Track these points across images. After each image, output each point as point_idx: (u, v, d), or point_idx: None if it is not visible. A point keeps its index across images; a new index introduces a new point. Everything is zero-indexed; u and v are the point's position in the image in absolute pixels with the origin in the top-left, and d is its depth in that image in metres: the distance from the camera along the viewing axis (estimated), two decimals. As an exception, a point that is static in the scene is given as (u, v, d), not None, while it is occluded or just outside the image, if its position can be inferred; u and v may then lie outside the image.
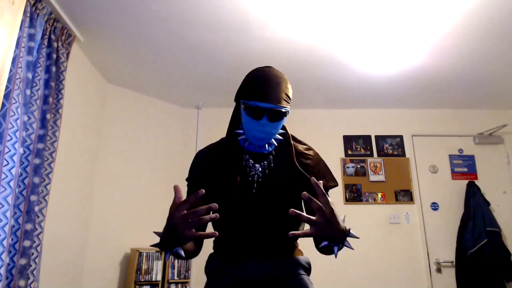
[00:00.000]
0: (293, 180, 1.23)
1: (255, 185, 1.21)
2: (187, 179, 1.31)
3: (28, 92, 2.04)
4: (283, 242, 1.25)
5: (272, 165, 1.24)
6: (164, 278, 3.06)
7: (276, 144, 1.26)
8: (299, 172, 1.23)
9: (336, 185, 1.30)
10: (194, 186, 1.27)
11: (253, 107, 1.15)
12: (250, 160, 1.24)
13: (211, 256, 1.31)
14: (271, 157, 1.26)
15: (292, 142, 1.29)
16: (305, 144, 1.35)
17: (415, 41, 2.69)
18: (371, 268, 3.43)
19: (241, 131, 1.25)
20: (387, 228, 3.57)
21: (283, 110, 1.16)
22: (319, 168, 1.29)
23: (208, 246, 1.33)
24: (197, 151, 1.35)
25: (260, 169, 1.23)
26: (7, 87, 1.83)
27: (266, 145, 1.23)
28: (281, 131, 1.27)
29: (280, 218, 1.21)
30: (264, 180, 1.22)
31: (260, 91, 1.14)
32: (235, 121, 1.27)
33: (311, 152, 1.31)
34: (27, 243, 2.03)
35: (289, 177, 1.24)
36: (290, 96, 1.20)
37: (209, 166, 1.27)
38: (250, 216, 1.21)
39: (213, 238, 1.33)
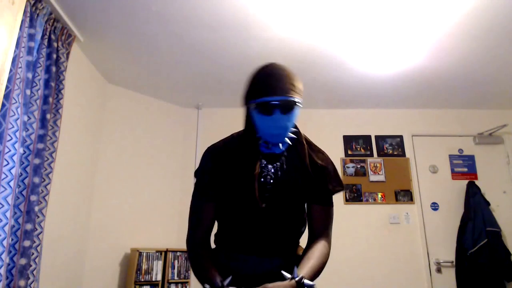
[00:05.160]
0: (303, 182, 1.24)
1: (268, 186, 1.22)
2: (196, 174, 1.29)
3: (28, 92, 2.04)
4: (288, 241, 1.29)
5: (285, 166, 1.24)
6: (164, 278, 3.06)
7: (290, 143, 1.25)
8: (309, 174, 1.24)
9: (342, 189, 1.30)
10: (206, 183, 1.25)
11: (263, 103, 1.12)
12: (263, 160, 1.24)
13: (213, 251, 1.32)
14: (284, 158, 1.25)
15: (304, 142, 1.29)
16: (316, 146, 1.34)
17: (415, 41, 2.69)
18: (371, 268, 3.43)
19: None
20: (387, 228, 3.56)
21: (293, 100, 1.13)
22: (328, 172, 1.28)
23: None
24: (206, 148, 1.31)
25: (272, 170, 1.24)
26: (7, 87, 1.83)
27: (280, 144, 1.21)
28: (294, 129, 1.24)
29: (287, 218, 1.24)
30: (276, 181, 1.23)
31: (265, 86, 1.13)
32: (248, 126, 1.23)
33: (321, 155, 1.31)
34: (27, 243, 2.03)
35: (299, 178, 1.24)
36: (298, 86, 1.17)
37: (222, 164, 1.25)
38: (259, 216, 1.22)
39: (215, 233, 1.34)
